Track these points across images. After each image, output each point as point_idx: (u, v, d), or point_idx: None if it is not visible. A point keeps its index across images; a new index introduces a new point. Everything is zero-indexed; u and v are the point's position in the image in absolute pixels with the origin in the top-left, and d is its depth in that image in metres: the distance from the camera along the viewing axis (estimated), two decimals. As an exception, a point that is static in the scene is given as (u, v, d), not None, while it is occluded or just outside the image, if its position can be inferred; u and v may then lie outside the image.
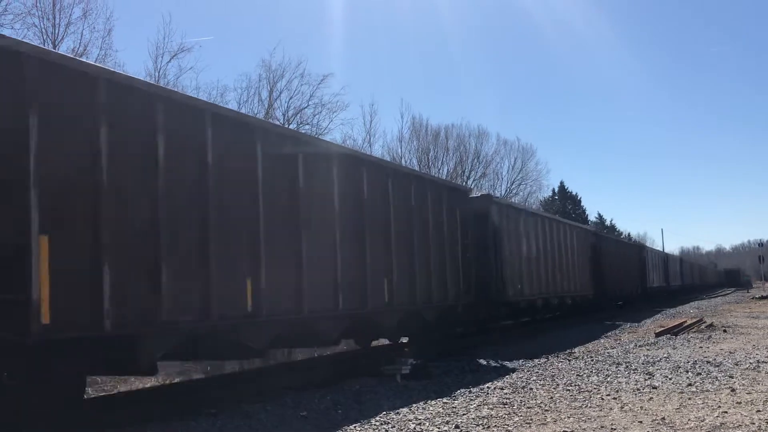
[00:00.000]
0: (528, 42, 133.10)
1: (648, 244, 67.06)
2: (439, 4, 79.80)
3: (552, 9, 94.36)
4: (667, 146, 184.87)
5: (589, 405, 8.00)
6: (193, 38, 61.20)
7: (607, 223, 79.65)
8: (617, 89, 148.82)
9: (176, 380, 11.40)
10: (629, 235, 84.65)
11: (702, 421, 6.85)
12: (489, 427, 7.00)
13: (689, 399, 8.14)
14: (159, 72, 28.54)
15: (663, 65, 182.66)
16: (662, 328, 18.29)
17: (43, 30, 24.01)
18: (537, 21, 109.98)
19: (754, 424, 6.65)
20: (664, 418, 7.04)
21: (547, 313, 22.95)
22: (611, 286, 30.27)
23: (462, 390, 9.44)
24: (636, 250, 39.84)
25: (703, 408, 7.54)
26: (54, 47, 23.39)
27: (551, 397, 8.59)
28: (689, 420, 6.94)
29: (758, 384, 8.98)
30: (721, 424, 6.73)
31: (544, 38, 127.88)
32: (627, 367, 11.14)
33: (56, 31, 24.42)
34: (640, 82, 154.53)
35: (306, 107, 35.41)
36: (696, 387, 8.97)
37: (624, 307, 33.17)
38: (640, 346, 14.73)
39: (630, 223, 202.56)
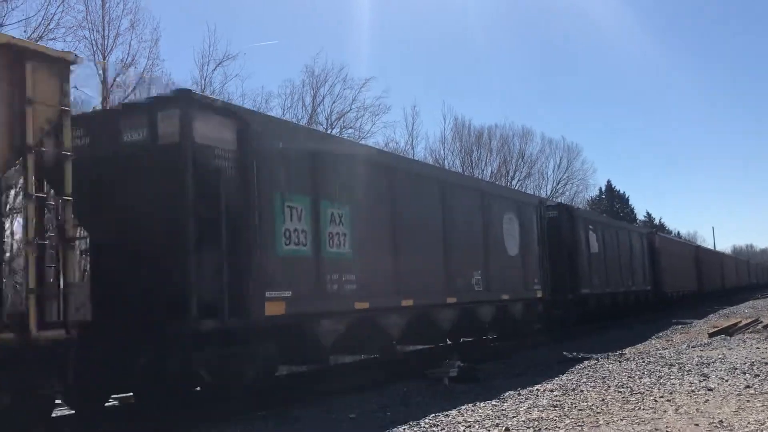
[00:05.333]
0: (573, 41, 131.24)
1: (699, 242, 65.07)
2: (467, 4, 78.54)
3: (598, 9, 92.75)
4: (717, 144, 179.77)
5: (642, 407, 7.82)
6: (239, 46, 61.95)
7: (656, 221, 78.01)
8: (665, 89, 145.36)
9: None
10: (679, 233, 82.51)
11: (762, 425, 6.63)
12: (540, 429, 6.89)
13: (748, 401, 7.89)
14: (205, 80, 29.08)
15: (714, 64, 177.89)
16: (715, 329, 17.82)
17: (93, 42, 24.82)
18: (581, 19, 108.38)
19: (817, 427, 6.42)
20: (721, 421, 6.84)
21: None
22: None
23: (511, 392, 9.33)
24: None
25: (762, 411, 7.30)
26: (104, 58, 24.24)
27: (602, 399, 8.42)
28: (749, 423, 6.72)
29: (820, 385, 8.67)
30: (783, 427, 6.51)
31: (589, 38, 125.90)
32: (680, 368, 10.86)
33: (105, 43, 25.19)
34: (688, 81, 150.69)
35: (349, 111, 35.64)
36: (755, 389, 8.68)
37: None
38: (693, 346, 14.36)
39: (680, 221, 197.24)
